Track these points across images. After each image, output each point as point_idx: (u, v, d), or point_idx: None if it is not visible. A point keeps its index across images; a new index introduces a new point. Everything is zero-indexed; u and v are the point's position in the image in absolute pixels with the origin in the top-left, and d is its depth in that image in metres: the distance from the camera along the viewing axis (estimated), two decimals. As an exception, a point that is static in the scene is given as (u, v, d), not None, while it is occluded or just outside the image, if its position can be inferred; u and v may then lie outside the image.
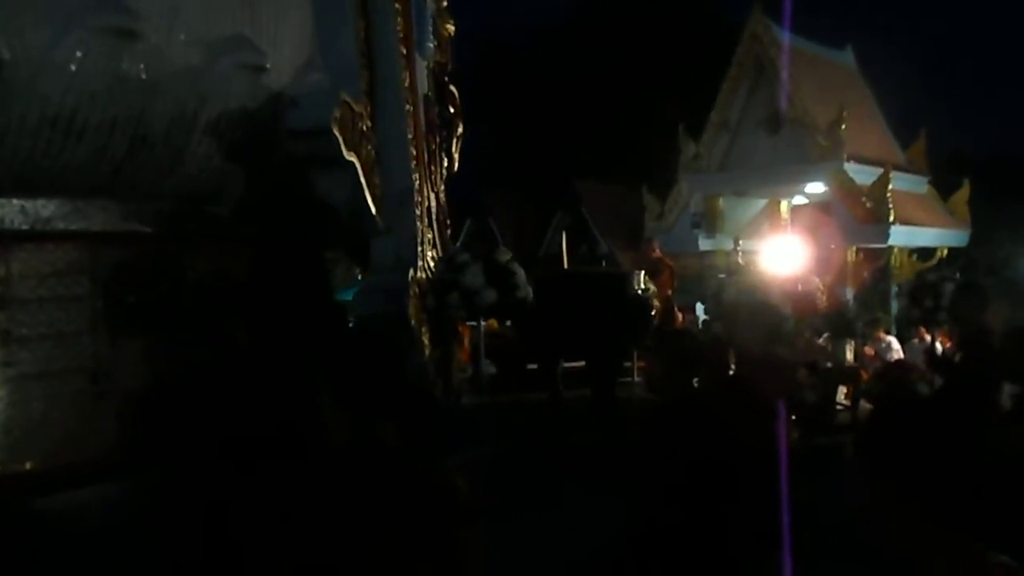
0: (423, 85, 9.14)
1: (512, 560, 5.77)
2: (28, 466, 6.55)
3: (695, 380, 4.85)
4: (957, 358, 7.56)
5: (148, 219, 7.03)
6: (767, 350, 6.82)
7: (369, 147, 7.74)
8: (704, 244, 22.10)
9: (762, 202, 23.38)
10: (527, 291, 6.91)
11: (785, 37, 19.88)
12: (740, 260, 14.94)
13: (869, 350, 12.27)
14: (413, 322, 7.06)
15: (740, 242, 16.11)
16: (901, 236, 19.90)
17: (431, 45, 9.27)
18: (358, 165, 7.27)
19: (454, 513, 3.31)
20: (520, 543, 5.64)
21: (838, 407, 9.63)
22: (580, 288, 9.99)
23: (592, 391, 9.84)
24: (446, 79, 10.02)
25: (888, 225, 19.33)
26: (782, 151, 20.97)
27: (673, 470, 4.59)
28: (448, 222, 10.18)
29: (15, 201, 6.38)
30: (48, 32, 5.77)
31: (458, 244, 25.08)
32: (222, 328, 7.44)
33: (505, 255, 6.88)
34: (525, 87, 26.21)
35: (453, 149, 9.93)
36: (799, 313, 9.58)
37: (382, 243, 7.94)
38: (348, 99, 7.23)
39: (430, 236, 8.73)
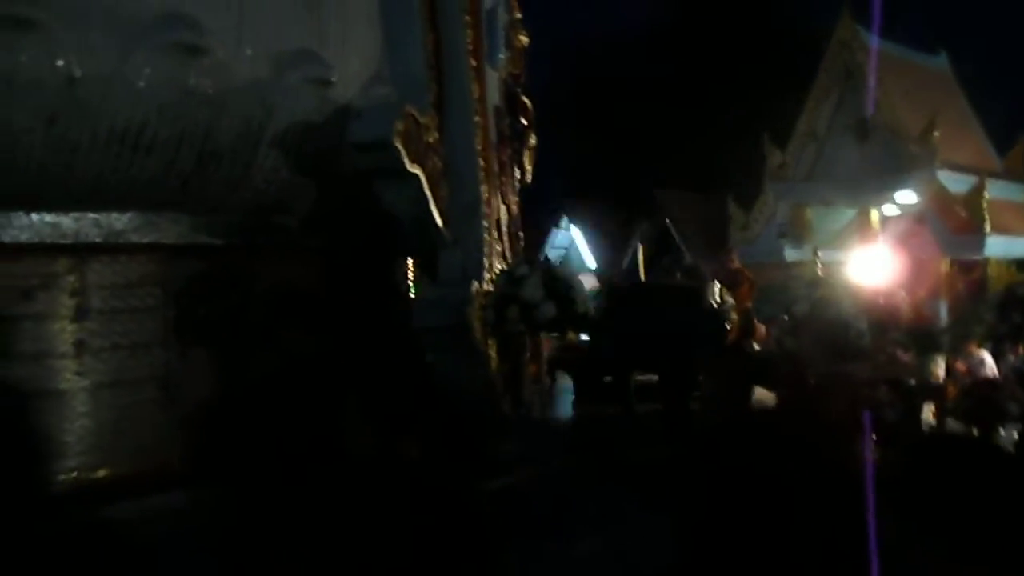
0: (494, 96, 9.07)
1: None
2: (100, 474, 6.67)
3: (750, 398, 4.69)
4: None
5: (218, 231, 7.10)
6: (837, 367, 6.60)
7: (436, 159, 7.70)
8: (790, 255, 21.64)
9: (852, 212, 22.78)
10: (587, 305, 6.77)
11: (874, 42, 19.37)
12: (820, 271, 14.51)
13: (961, 365, 11.78)
14: (477, 335, 6.97)
15: (819, 253, 15.64)
16: (998, 246, 19.16)
17: (502, 56, 9.20)
18: (423, 177, 7.23)
19: (473, 529, 3.21)
20: (576, 559, 5.53)
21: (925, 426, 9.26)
22: (653, 300, 9.81)
23: (664, 405, 9.64)
24: (519, 90, 9.95)
25: (984, 235, 18.64)
26: (872, 159, 20.43)
27: (722, 491, 4.44)
28: (521, 235, 10.09)
29: (90, 215, 6.51)
30: (117, 49, 5.86)
31: (544, 255, 25.09)
32: (289, 339, 7.51)
33: (564, 269, 6.76)
34: (608, 97, 26.01)
35: (525, 161, 9.84)
36: (881, 327, 9.24)
37: (449, 255, 7.89)
38: (413, 112, 7.20)
39: (499, 248, 8.65)
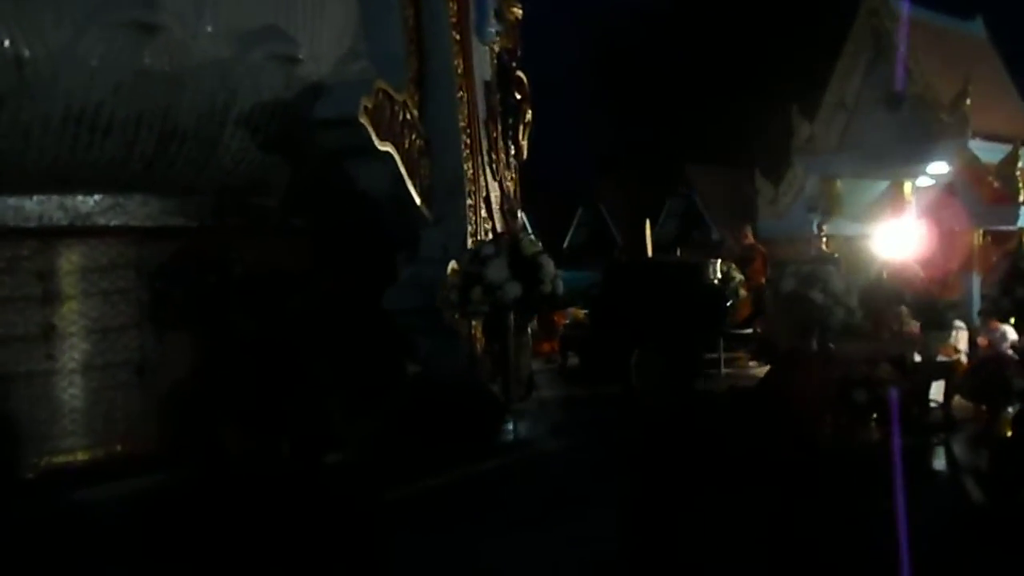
0: (484, 71, 8.82)
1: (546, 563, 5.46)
2: (73, 458, 6.60)
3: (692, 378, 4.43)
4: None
5: (190, 213, 6.99)
6: (802, 345, 6.28)
7: (414, 136, 7.50)
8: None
9: (884, 184, 22.10)
10: (555, 285, 6.52)
11: (905, 8, 18.66)
12: (824, 246, 14.02)
13: (983, 340, 11.31)
14: (451, 315, 6.75)
15: (824, 227, 15.13)
16: (1033, 217, 18.43)
17: (492, 30, 8.92)
18: (396, 155, 7.03)
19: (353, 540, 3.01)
20: (557, 546, 5.33)
21: (931, 404, 8.85)
22: (652, 277, 9.52)
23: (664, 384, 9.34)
24: (514, 64, 9.67)
25: (1018, 206, 17.92)
26: (903, 130, 19.71)
27: (658, 476, 4.20)
28: (519, 212, 9.84)
29: (55, 197, 6.41)
30: (68, 29, 5.73)
31: (570, 232, 24.71)
32: (268, 321, 7.36)
33: (532, 247, 6.50)
34: (636, 71, 25.49)
35: (520, 137, 9.56)
36: (887, 303, 8.85)
37: (430, 234, 7.69)
38: (386, 87, 7.00)
39: (488, 227, 8.42)
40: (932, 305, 8.80)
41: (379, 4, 7.60)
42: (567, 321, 12.72)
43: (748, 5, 23.99)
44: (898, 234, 17.60)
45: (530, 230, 25.18)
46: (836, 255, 12.95)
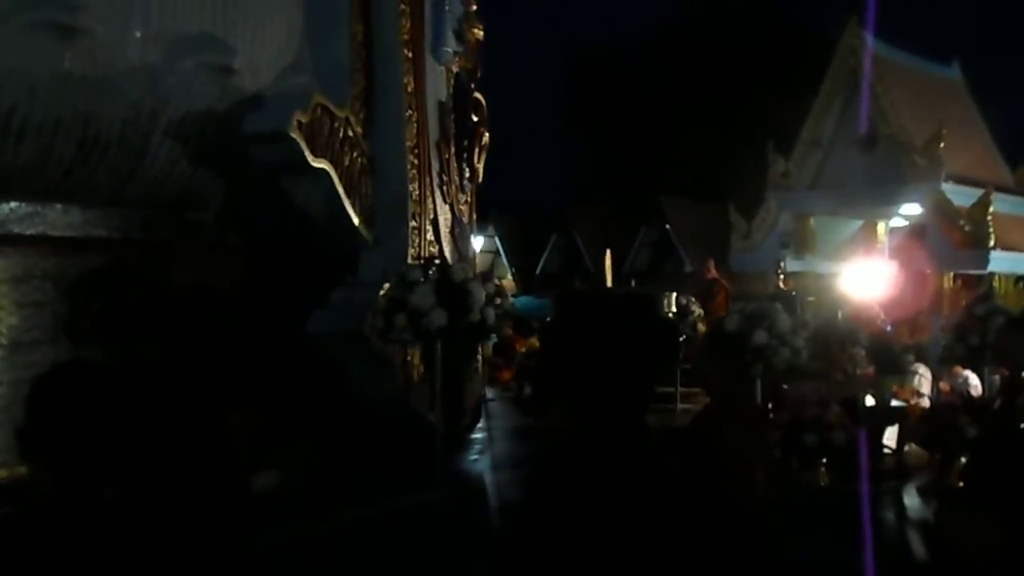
0: (438, 91, 8.54)
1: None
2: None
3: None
4: (996, 404, 6.50)
5: (115, 225, 6.64)
6: (733, 388, 5.97)
7: (356, 154, 7.19)
8: (792, 265, 20.80)
9: (858, 223, 21.95)
10: (485, 314, 6.20)
11: (868, 46, 18.54)
12: (781, 284, 13.75)
13: (945, 385, 11.06)
14: (380, 342, 6.40)
15: (782, 264, 14.88)
16: (1003, 263, 18.25)
17: (449, 50, 8.65)
18: (333, 173, 6.71)
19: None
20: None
21: (884, 451, 8.56)
22: (602, 309, 9.18)
23: (613, 419, 9.01)
24: (472, 86, 9.39)
25: (988, 250, 17.76)
26: (877, 170, 19.57)
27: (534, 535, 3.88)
28: (471, 237, 9.52)
29: (-34, 203, 6.07)
30: (-20, 27, 5.40)
31: (543, 259, 24.46)
32: (192, 340, 7.01)
33: (461, 273, 6.18)
34: (612, 102, 25.33)
35: (476, 159, 9.27)
36: (841, 344, 8.59)
37: (370, 255, 7.37)
38: (325, 103, 6.69)
39: (435, 250, 8.11)
40: (888, 348, 8.52)
41: (327, 18, 7.31)
42: (524, 350, 12.42)
43: (728, 40, 23.91)
44: (866, 274, 17.41)
45: (503, 255, 25.00)
46: (794, 292, 12.69)
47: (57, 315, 6.48)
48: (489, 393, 12.06)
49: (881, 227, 21.78)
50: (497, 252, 24.59)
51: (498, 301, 12.28)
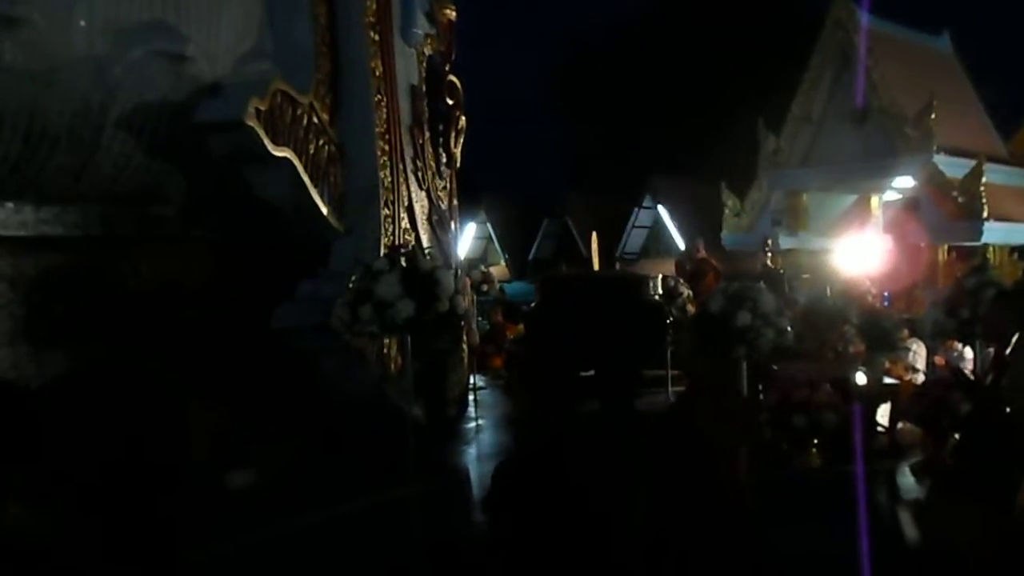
0: (409, 75, 8.23)
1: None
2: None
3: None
4: (988, 380, 6.21)
5: (74, 222, 6.36)
6: (714, 371, 5.70)
7: (322, 141, 6.90)
8: (785, 242, 20.51)
9: (851, 198, 21.63)
10: (454, 303, 5.91)
11: (864, 20, 18.19)
12: (769, 262, 13.44)
13: (939, 359, 10.78)
14: (347, 335, 6.11)
15: (769, 242, 14.57)
16: (997, 233, 17.93)
17: (420, 32, 8.34)
18: (296, 161, 6.42)
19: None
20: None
21: (878, 429, 8.28)
22: (587, 292, 8.92)
23: (601, 404, 8.76)
24: (446, 68, 9.09)
25: (981, 221, 17.46)
26: (869, 144, 19.24)
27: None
28: (451, 223, 9.23)
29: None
30: (-87, 19, 5.11)
31: (535, 244, 24.16)
32: (161, 337, 6.73)
33: (429, 262, 5.89)
34: (604, 82, 24.98)
35: (452, 144, 8.97)
36: (831, 322, 8.30)
37: (341, 245, 7.08)
38: (286, 88, 6.40)
39: (411, 238, 7.83)
40: (878, 324, 8.23)
41: (287, 1, 7.01)
42: (512, 336, 12.15)
43: (716, 17, 23.53)
44: (859, 249, 17.12)
45: (495, 241, 24.71)
46: (782, 270, 12.39)
47: (15, 317, 6.21)
48: (480, 381, 11.81)
49: (875, 201, 21.45)
50: (489, 238, 24.30)
51: (484, 288, 12.05)
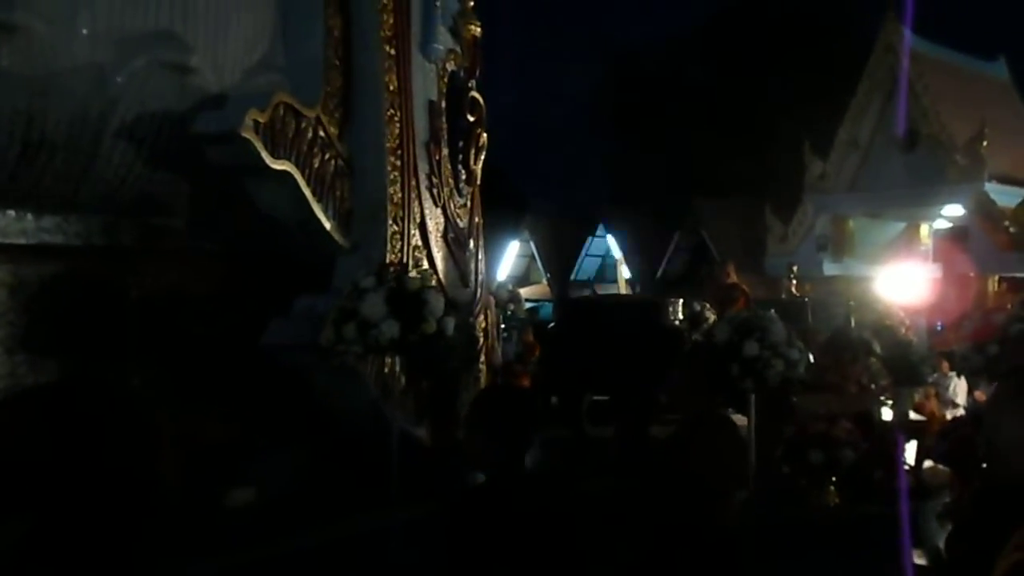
0: (428, 90, 8.06)
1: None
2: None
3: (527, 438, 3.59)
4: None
5: (75, 231, 6.27)
6: (707, 405, 5.39)
7: (328, 156, 6.74)
8: (830, 269, 20.04)
9: (900, 225, 21.07)
10: (443, 324, 5.69)
11: (906, 42, 17.73)
12: (793, 289, 13.00)
13: (980, 394, 10.32)
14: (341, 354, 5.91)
15: (794, 268, 14.12)
16: (1050, 265, 17.31)
17: (440, 47, 8.17)
18: (298, 175, 6.27)
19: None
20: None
21: (904, 468, 7.88)
22: (605, 317, 8.66)
23: (615, 431, 8.50)
24: (470, 85, 8.91)
25: (1034, 253, 16.86)
26: (917, 171, 18.74)
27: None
28: (471, 241, 9.03)
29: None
30: (-92, 23, 5.06)
31: (578, 264, 23.87)
32: (162, 352, 6.63)
33: (417, 281, 5.68)
34: (649, 104, 24.64)
35: (472, 161, 8.78)
36: (853, 354, 7.93)
37: (346, 262, 6.91)
38: (290, 101, 6.26)
39: (423, 255, 7.64)
40: (905, 357, 7.85)
41: (300, 13, 6.87)
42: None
43: (765, 40, 23.10)
44: (905, 277, 16.60)
45: (538, 260, 24.49)
46: (806, 298, 11.97)
47: (14, 325, 6.12)
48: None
49: (924, 229, 20.87)
50: (532, 256, 24.07)
51: (511, 307, 11.84)
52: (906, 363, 7.75)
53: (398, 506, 6.04)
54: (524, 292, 22.40)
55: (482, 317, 9.73)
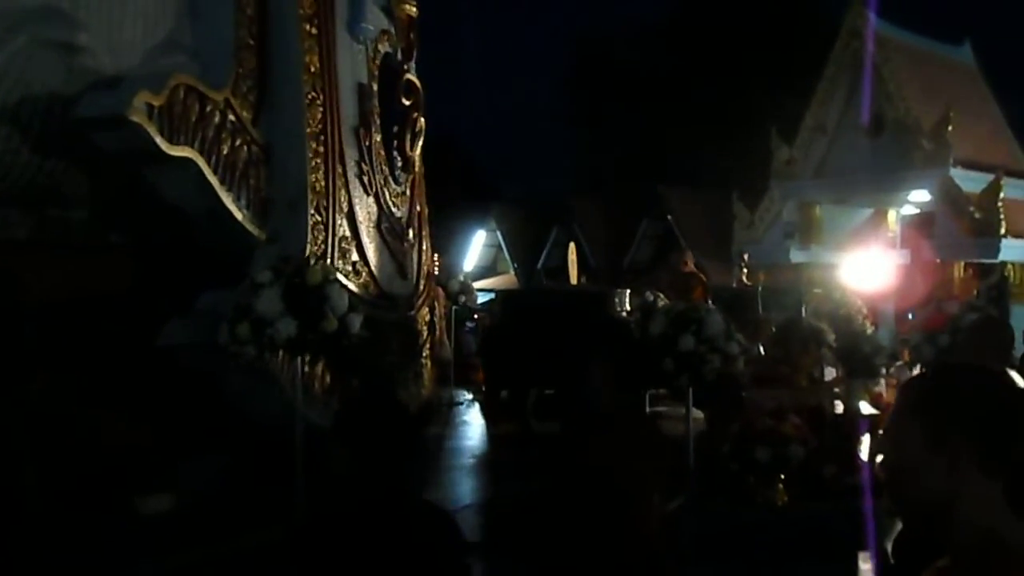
0: (357, 72, 7.58)
1: None
2: None
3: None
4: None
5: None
6: (620, 402, 4.94)
7: (239, 141, 6.24)
8: (797, 256, 19.60)
9: (867, 212, 20.66)
10: (345, 322, 5.20)
11: (888, 32, 17.30)
12: (744, 278, 12.56)
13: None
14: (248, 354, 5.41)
15: (745, 256, 13.71)
16: (1015, 251, 16.92)
17: (370, 27, 7.68)
18: (200, 162, 5.77)
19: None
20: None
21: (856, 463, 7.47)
22: (547, 308, 8.20)
23: (560, 427, 8.03)
24: (405, 67, 8.42)
25: (998, 238, 16.47)
26: (884, 156, 18.30)
27: None
28: (409, 231, 8.56)
29: None
30: None
31: (544, 253, 23.39)
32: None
33: (318, 274, 5.17)
34: (615, 91, 24.13)
35: (408, 147, 8.30)
36: (804, 345, 7.49)
37: (263, 254, 6.41)
38: (191, 82, 5.75)
39: (352, 246, 7.17)
40: (858, 347, 7.42)
41: (210, -10, 6.38)
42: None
43: (730, 26, 22.62)
44: (869, 264, 16.23)
45: (505, 249, 23.98)
46: (759, 286, 11.51)
47: None
48: (466, 395, 11.14)
49: (891, 215, 20.47)
50: (499, 246, 23.58)
51: (461, 299, 11.36)
52: (859, 354, 7.33)
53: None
54: (491, 283, 21.97)
55: (426, 310, 9.27)
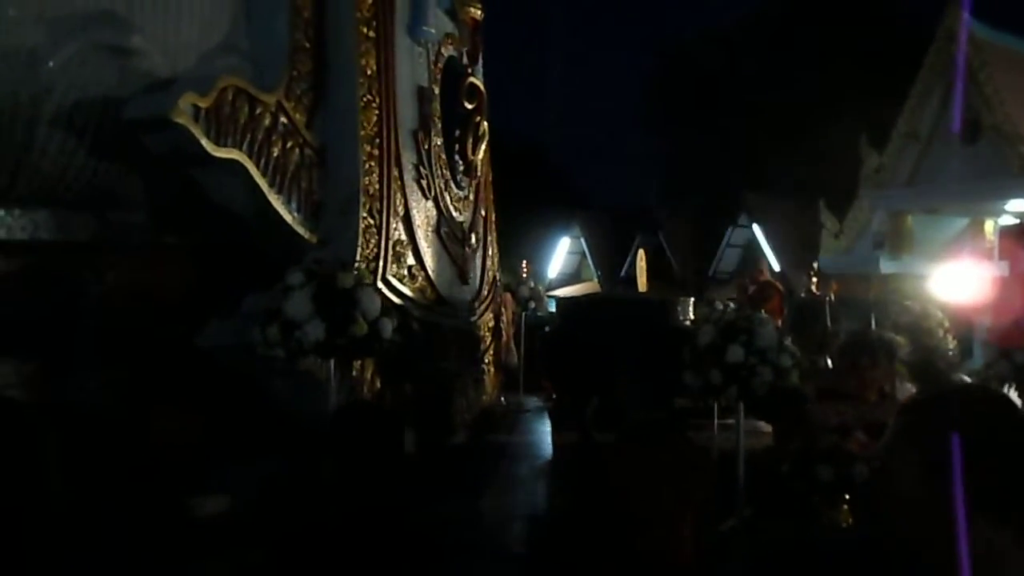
0: (417, 75, 7.47)
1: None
2: None
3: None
4: None
5: (21, 225, 5.82)
6: (651, 417, 4.65)
7: (291, 144, 6.18)
8: (887, 266, 18.79)
9: (962, 222, 19.69)
10: (379, 326, 5.05)
11: (986, 35, 16.45)
12: (813, 288, 11.94)
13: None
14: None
15: (814, 265, 13.06)
16: (1122, 264, 15.90)
17: (432, 30, 7.56)
18: (249, 164, 5.72)
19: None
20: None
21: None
22: (606, 316, 7.94)
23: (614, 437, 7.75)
24: (469, 71, 8.29)
25: (1103, 250, 15.49)
26: (980, 164, 17.40)
27: None
28: (472, 236, 8.41)
29: None
30: None
31: (627, 261, 23.00)
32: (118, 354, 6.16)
33: (350, 278, 5.03)
34: (701, 98, 23.60)
35: (470, 151, 8.15)
36: (873, 358, 7.04)
37: (316, 257, 6.33)
38: (241, 85, 5.70)
39: (409, 250, 7.05)
40: (930, 363, 6.94)
41: (269, -7, 6.34)
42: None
43: (820, 30, 21.89)
44: (961, 276, 15.42)
45: (589, 257, 23.72)
46: (830, 296, 10.97)
47: (-42, 324, 5.71)
48: (536, 402, 10.96)
49: (989, 226, 19.46)
50: (583, 254, 23.32)
51: (531, 305, 11.16)
52: (931, 368, 6.86)
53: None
54: (574, 290, 21.69)
55: (489, 315, 9.11)
